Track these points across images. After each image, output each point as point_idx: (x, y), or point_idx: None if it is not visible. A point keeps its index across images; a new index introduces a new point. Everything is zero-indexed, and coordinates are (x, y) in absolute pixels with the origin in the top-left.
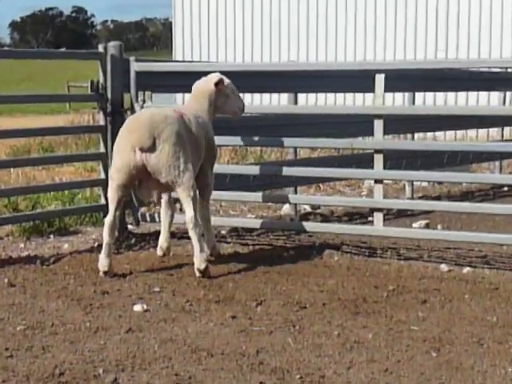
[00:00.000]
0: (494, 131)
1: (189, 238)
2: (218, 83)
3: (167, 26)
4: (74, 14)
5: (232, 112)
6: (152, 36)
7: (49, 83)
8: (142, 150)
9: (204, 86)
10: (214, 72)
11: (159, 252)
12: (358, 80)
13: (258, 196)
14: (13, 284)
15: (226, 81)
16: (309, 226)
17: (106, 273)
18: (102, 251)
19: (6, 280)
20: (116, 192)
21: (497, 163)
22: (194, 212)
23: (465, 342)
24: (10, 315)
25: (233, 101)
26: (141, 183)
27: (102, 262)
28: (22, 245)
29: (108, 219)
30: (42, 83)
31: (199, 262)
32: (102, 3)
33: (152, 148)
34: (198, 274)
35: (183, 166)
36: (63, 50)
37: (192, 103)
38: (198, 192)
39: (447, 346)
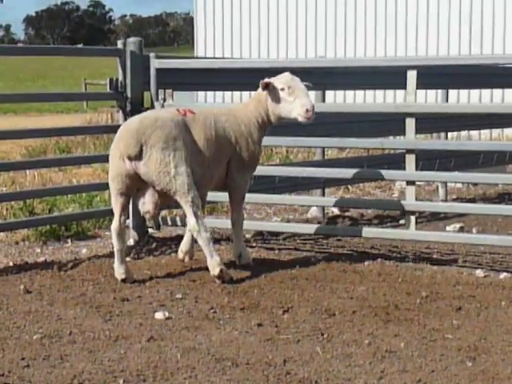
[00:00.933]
0: None
1: (219, 241)
2: (265, 86)
3: (188, 20)
4: (91, 9)
5: (289, 115)
6: (172, 31)
7: (65, 80)
8: (129, 158)
9: (258, 92)
10: (238, 69)
11: (180, 255)
12: (389, 76)
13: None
14: (29, 291)
15: (279, 81)
16: (337, 229)
17: (124, 280)
18: (115, 259)
19: (21, 286)
20: (117, 199)
21: None
22: (195, 218)
23: (501, 350)
24: (27, 323)
25: (289, 104)
26: (139, 191)
27: (118, 270)
28: (39, 250)
29: (113, 226)
30: (58, 80)
31: (212, 268)
32: None
33: (139, 156)
34: (216, 280)
35: (174, 171)
36: (80, 46)
37: (244, 103)
38: (229, 194)
39: (483, 355)
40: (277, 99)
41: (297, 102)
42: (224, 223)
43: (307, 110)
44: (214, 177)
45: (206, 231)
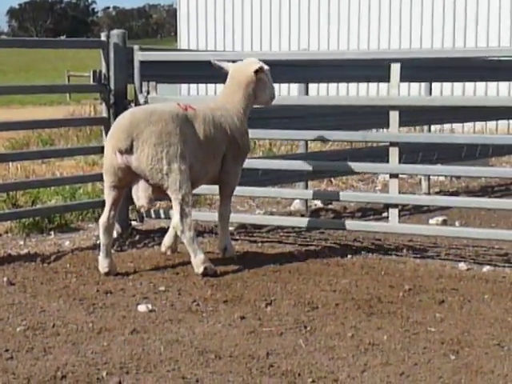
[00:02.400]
0: None
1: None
2: (258, 71)
3: (171, 12)
4: (74, 1)
5: (265, 102)
6: (155, 23)
7: (48, 73)
8: (120, 152)
9: (241, 74)
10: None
11: (162, 249)
12: (372, 69)
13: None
14: (12, 283)
15: (265, 67)
16: (320, 222)
17: (107, 273)
18: (100, 252)
19: (5, 279)
20: (109, 192)
21: None
22: (180, 216)
23: (485, 344)
24: (10, 315)
25: (268, 89)
26: (133, 184)
27: (102, 264)
28: (22, 242)
29: (101, 219)
30: (41, 73)
31: (196, 266)
32: None
33: (130, 150)
34: (201, 275)
35: (166, 168)
36: (63, 38)
37: (225, 93)
38: (219, 188)
39: (466, 348)
40: (264, 84)
41: (271, 87)
42: (207, 216)
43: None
44: (209, 172)
45: (189, 230)
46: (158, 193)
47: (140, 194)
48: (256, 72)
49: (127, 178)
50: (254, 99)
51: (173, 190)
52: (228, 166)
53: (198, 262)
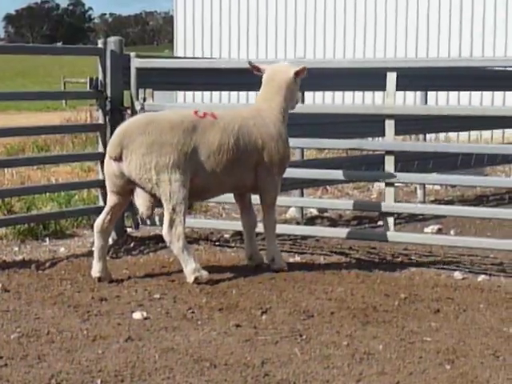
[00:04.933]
0: (510, 132)
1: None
2: (299, 72)
3: (168, 19)
4: (71, 7)
5: (293, 107)
6: (152, 30)
7: (44, 79)
8: (111, 158)
9: (281, 76)
10: (218, 69)
11: (248, 262)
12: (368, 78)
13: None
14: (7, 289)
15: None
16: (316, 230)
17: (99, 279)
18: (94, 256)
19: None
20: (110, 197)
21: None
22: (169, 227)
23: (480, 354)
24: (4, 322)
25: (297, 93)
26: (134, 191)
27: (94, 268)
28: (17, 248)
29: (96, 222)
30: (37, 79)
31: (187, 276)
32: None
33: (120, 158)
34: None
35: (155, 178)
36: (60, 44)
37: (263, 97)
38: (259, 197)
39: (461, 358)
40: (298, 88)
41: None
42: (202, 223)
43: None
44: (228, 182)
45: (178, 240)
46: (157, 200)
47: (140, 201)
48: (297, 74)
49: (125, 184)
50: (292, 102)
51: (163, 200)
52: (263, 175)
53: (189, 272)
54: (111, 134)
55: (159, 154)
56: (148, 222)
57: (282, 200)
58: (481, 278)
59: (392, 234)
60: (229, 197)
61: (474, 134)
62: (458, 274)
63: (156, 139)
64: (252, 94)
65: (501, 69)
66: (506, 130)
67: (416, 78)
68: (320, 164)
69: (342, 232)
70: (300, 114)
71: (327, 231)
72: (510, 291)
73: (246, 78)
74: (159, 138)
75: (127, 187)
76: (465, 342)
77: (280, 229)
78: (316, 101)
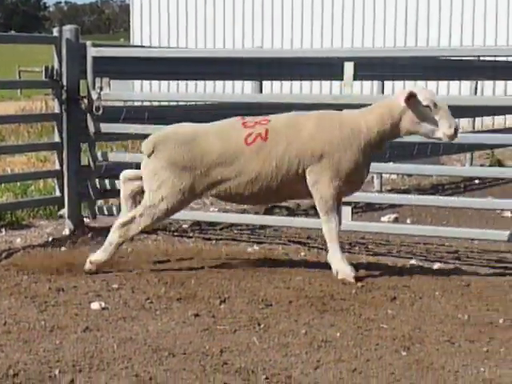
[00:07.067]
0: (465, 122)
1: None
2: (410, 97)
3: (124, 8)
4: None
5: (433, 137)
6: (108, 19)
7: None
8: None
9: (391, 101)
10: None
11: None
12: (325, 67)
13: None
14: None
15: (424, 96)
16: (274, 219)
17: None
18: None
19: None
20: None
21: (468, 155)
22: (124, 220)
23: (435, 340)
24: None
25: (433, 124)
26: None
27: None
28: None
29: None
30: None
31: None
32: None
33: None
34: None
35: (154, 192)
36: (13, 33)
37: (365, 112)
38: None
39: (417, 344)
40: (419, 115)
41: (444, 123)
42: None
43: (456, 131)
44: (278, 187)
45: (114, 231)
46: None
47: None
48: (408, 99)
49: None
50: (398, 125)
51: (144, 199)
52: (312, 180)
53: (91, 259)
54: (68, 123)
55: (164, 178)
56: (105, 211)
57: None
58: (436, 265)
59: (349, 223)
60: None
61: None
62: (413, 262)
63: (171, 155)
64: (209, 83)
65: (456, 58)
66: (462, 120)
67: (373, 68)
68: None
69: (300, 221)
70: (258, 103)
71: (286, 221)
72: (464, 279)
73: (203, 68)
74: (169, 158)
75: None
76: (420, 329)
77: (238, 218)
78: (274, 90)
